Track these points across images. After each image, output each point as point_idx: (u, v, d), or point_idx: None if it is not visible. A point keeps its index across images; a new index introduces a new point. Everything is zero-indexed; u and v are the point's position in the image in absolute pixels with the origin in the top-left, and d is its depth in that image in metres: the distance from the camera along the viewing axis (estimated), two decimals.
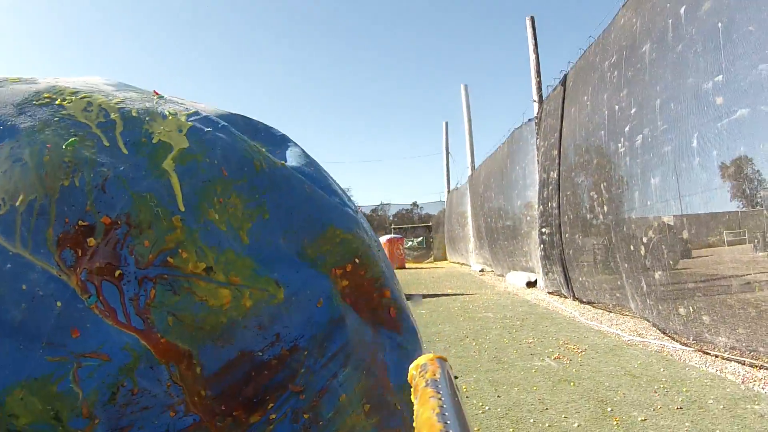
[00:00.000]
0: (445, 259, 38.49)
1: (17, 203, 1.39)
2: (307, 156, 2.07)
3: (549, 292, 12.93)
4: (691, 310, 6.12)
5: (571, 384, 5.13)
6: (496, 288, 15.66)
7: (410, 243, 40.81)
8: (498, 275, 19.66)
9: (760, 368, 5.13)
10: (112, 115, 1.66)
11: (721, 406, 4.27)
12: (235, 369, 1.49)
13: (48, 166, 1.45)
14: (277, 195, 1.76)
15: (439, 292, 15.18)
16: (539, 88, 14.57)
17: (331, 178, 2.13)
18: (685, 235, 6.57)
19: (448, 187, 38.09)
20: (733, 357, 5.52)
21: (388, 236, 32.52)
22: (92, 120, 1.62)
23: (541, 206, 13.04)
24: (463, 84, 29.59)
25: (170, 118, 1.73)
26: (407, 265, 32.70)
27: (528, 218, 14.91)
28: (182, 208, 1.53)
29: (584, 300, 10.64)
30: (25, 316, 1.31)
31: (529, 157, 14.50)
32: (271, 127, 2.14)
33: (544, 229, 12.81)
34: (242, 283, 1.53)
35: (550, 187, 12.18)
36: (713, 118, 5.38)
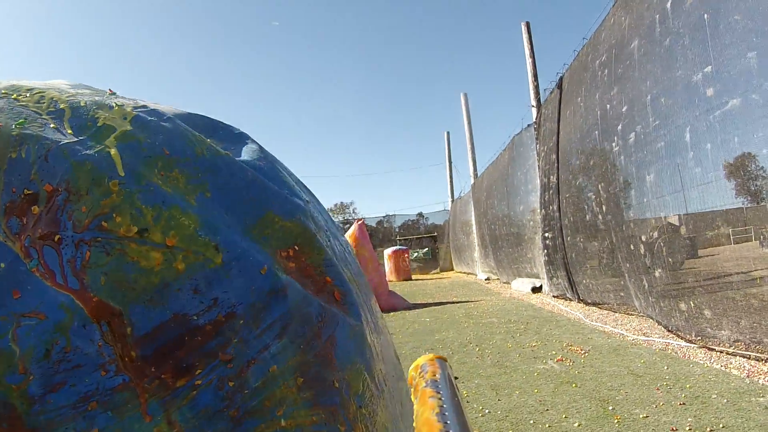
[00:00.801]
0: (452, 269, 38.39)
1: None
2: (262, 152, 2.13)
3: (554, 296, 12.85)
4: (692, 305, 6.05)
5: (573, 385, 5.06)
6: (502, 294, 15.57)
7: (416, 254, 40.67)
8: (504, 283, 19.57)
9: (765, 362, 5.05)
10: (61, 105, 1.77)
11: (725, 400, 4.19)
12: (168, 331, 1.50)
13: None
14: (218, 178, 1.81)
15: (445, 300, 15.12)
16: (537, 93, 14.61)
17: (287, 173, 2.20)
18: (683, 230, 6.51)
19: (452, 197, 38.07)
20: (738, 352, 5.44)
21: (393, 248, 32.43)
22: (43, 109, 1.73)
23: (543, 210, 13.00)
24: (463, 93, 29.67)
25: (116, 108, 1.81)
26: (414, 277, 32.61)
27: (531, 224, 14.86)
28: (122, 173, 1.59)
29: (589, 301, 10.57)
30: None
31: (530, 162, 14.49)
32: (230, 125, 2.21)
33: (546, 234, 12.76)
34: (177, 245, 1.56)
35: (551, 191, 12.15)
36: (705, 110, 5.34)
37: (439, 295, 17.31)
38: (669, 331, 6.82)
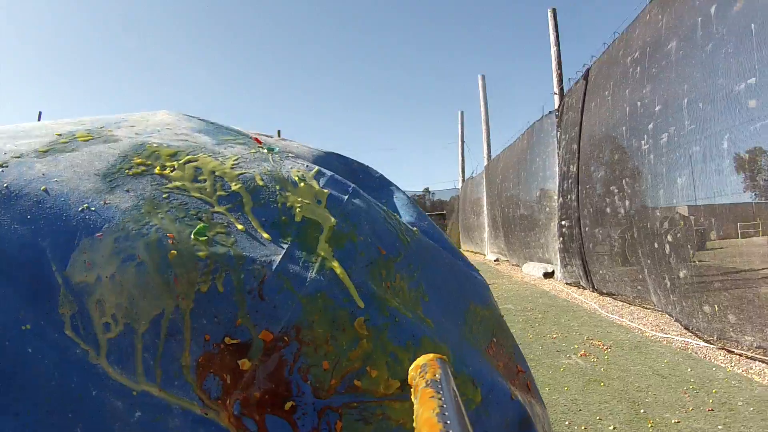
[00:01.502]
0: (459, 247, 38.29)
1: (135, 322, 1.00)
2: (413, 204, 1.70)
3: (567, 283, 12.96)
4: (716, 308, 6.15)
5: (601, 384, 5.19)
6: (513, 277, 15.67)
7: None
8: (513, 265, 19.63)
9: None
10: (234, 186, 1.27)
11: (752, 408, 4.32)
12: None
13: (177, 266, 1.06)
14: (427, 272, 1.40)
15: None
16: (560, 81, 14.54)
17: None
18: (713, 235, 6.56)
19: (463, 177, 37.97)
20: (757, 356, 5.55)
21: None
22: (210, 195, 1.23)
23: (560, 198, 13.03)
24: (481, 75, 29.47)
25: (302, 185, 1.36)
26: None
27: (547, 210, 14.89)
28: (361, 304, 1.16)
29: (604, 291, 10.67)
30: None
31: (550, 149, 14.47)
32: (368, 167, 1.77)
33: (563, 222, 12.81)
34: None
35: (570, 180, 12.17)
36: (745, 120, 5.38)
37: None
38: (688, 330, 6.93)
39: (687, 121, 6.52)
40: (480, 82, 29.24)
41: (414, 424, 0.73)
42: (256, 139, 1.61)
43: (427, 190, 56.05)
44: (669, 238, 7.21)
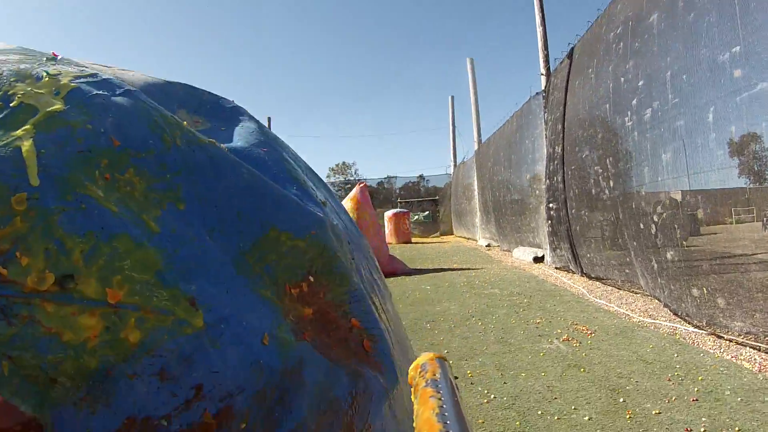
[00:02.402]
0: (452, 233, 38.28)
1: None
2: (262, 133, 1.58)
3: (556, 268, 12.75)
4: (705, 292, 5.90)
5: (581, 370, 4.94)
6: (503, 263, 15.49)
7: (416, 217, 40.50)
8: (504, 250, 19.46)
9: None
10: None
11: (739, 399, 4.05)
12: None
13: None
14: (198, 181, 1.27)
15: (445, 267, 15.04)
16: (546, 61, 14.28)
17: (295, 162, 1.63)
18: (700, 214, 6.33)
19: (455, 162, 37.84)
20: (748, 342, 5.31)
21: (394, 210, 32.31)
22: None
23: (547, 180, 12.80)
24: (469, 58, 29.16)
25: (46, 79, 1.27)
26: (413, 240, 32.63)
27: (537, 193, 14.67)
28: (34, 182, 1.02)
29: (593, 276, 10.47)
30: None
31: (538, 131, 14.23)
32: (221, 98, 1.66)
33: (551, 204, 12.58)
34: (126, 301, 0.98)
35: (556, 162, 11.93)
36: (731, 91, 5.09)
37: (440, 261, 17.22)
38: (677, 315, 6.70)
39: (671, 95, 6.24)
40: (469, 66, 28.94)
41: (414, 424, 0.75)
42: (53, 53, 1.48)
43: (421, 176, 56.11)
44: (655, 218, 6.95)
